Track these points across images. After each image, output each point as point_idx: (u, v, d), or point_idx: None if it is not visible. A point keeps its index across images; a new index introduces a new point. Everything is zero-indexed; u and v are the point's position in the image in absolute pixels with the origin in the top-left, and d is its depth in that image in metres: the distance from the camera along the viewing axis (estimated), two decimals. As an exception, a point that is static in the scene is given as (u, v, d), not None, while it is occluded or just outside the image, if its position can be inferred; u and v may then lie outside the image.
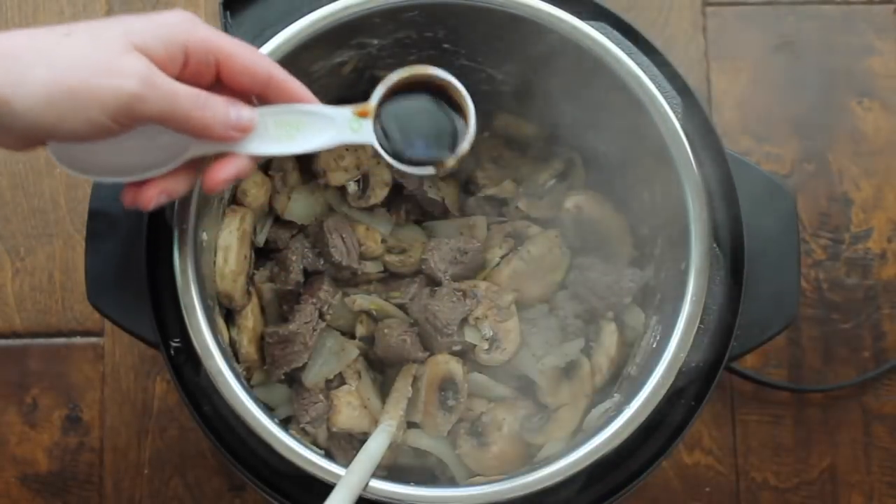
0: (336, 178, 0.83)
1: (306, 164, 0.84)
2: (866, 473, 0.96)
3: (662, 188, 0.75)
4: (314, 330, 0.78)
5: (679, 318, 0.70)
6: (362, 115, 0.62)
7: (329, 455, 0.78)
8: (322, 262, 0.82)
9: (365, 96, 0.88)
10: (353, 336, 0.82)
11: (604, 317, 0.81)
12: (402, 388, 0.79)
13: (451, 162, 0.65)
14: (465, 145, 0.65)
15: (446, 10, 0.74)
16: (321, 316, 0.80)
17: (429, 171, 0.65)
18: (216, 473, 0.93)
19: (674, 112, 0.72)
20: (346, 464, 0.67)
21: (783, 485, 0.96)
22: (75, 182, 0.98)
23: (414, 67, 0.64)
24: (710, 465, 0.96)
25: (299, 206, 0.83)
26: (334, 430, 0.78)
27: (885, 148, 1.02)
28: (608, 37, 0.73)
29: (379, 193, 0.84)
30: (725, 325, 0.72)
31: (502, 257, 0.85)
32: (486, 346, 0.80)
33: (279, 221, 0.83)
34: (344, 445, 0.79)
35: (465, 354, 0.81)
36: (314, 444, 0.78)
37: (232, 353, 0.74)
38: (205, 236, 0.72)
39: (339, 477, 0.65)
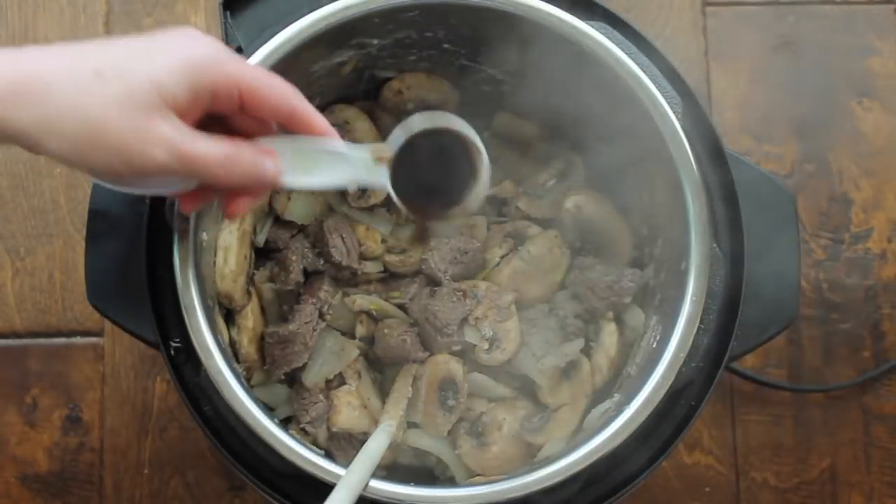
0: (336, 178, 0.83)
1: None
2: (866, 473, 0.96)
3: (662, 188, 0.75)
4: (314, 330, 0.78)
5: (679, 318, 0.70)
6: (380, 160, 0.62)
7: (329, 455, 0.78)
8: (322, 262, 0.82)
9: (365, 95, 0.88)
10: (353, 336, 0.82)
11: (604, 317, 0.81)
12: (402, 388, 0.79)
13: (457, 214, 0.66)
14: (471, 201, 0.65)
15: (446, 10, 0.74)
16: (321, 316, 0.80)
17: (438, 218, 0.65)
18: (216, 473, 0.93)
19: (674, 112, 0.72)
20: (346, 464, 0.67)
21: (783, 485, 0.96)
22: (75, 182, 0.98)
23: (435, 117, 0.63)
24: (710, 465, 0.96)
25: (299, 206, 0.83)
26: (334, 430, 0.78)
27: (885, 148, 1.02)
28: (608, 37, 0.73)
29: (379, 193, 0.84)
30: (725, 325, 0.72)
31: (502, 257, 0.85)
32: (486, 346, 0.80)
33: (279, 221, 0.83)
34: (344, 445, 0.79)
35: (465, 354, 0.81)
36: (314, 444, 0.78)
37: (232, 353, 0.74)
38: (205, 236, 0.72)
39: (339, 477, 0.65)
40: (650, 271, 0.80)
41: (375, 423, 0.78)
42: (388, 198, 0.84)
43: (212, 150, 0.56)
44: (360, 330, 0.82)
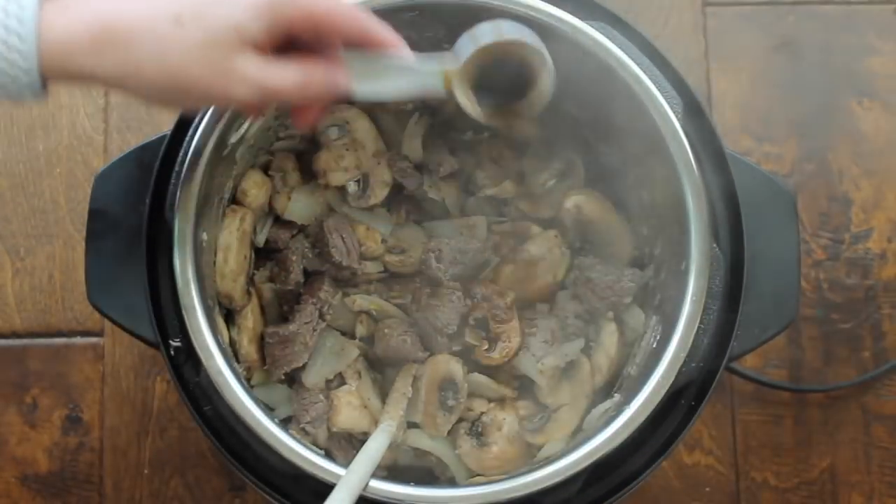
0: (336, 178, 0.83)
1: (306, 164, 0.84)
2: (866, 473, 0.96)
3: (662, 188, 0.75)
4: (314, 330, 0.78)
5: (679, 318, 0.70)
6: (449, 72, 0.64)
7: (329, 455, 0.78)
8: (322, 262, 0.82)
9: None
10: (353, 336, 0.82)
11: (604, 317, 0.81)
12: (402, 388, 0.79)
13: (523, 110, 0.67)
14: (535, 101, 0.67)
15: (446, 10, 0.74)
16: (321, 316, 0.80)
17: (503, 118, 0.68)
18: (216, 473, 0.93)
19: (674, 112, 0.72)
20: (346, 464, 0.67)
21: (783, 485, 0.96)
22: (75, 182, 0.98)
23: (502, 27, 0.65)
24: (710, 465, 0.96)
25: (299, 206, 0.83)
26: (334, 430, 0.78)
27: (885, 148, 1.02)
28: (608, 37, 0.73)
29: (379, 193, 0.84)
30: (725, 325, 0.72)
31: (502, 257, 0.85)
32: (486, 346, 0.80)
33: (279, 221, 0.83)
34: (344, 445, 0.79)
35: (465, 354, 0.81)
36: (314, 444, 0.78)
37: (232, 353, 0.74)
38: (205, 236, 0.72)
39: (339, 477, 0.65)
40: (650, 271, 0.80)
41: (375, 423, 0.78)
42: (389, 198, 0.85)
43: (289, 78, 0.58)
44: (360, 330, 0.82)
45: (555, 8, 0.73)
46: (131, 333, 0.71)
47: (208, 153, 0.70)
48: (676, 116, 0.72)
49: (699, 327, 0.70)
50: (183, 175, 0.70)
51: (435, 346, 0.80)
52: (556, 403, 0.80)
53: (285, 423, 0.78)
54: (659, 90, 0.72)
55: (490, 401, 0.81)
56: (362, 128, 0.84)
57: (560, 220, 0.85)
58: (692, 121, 0.73)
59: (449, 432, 0.79)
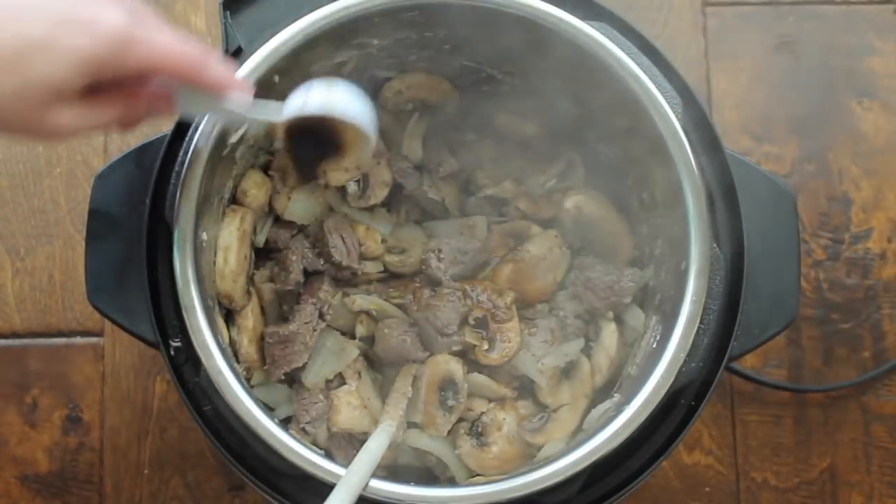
0: (336, 178, 0.83)
1: (306, 164, 0.84)
2: (866, 473, 0.96)
3: (662, 188, 0.75)
4: (314, 330, 0.78)
5: (679, 318, 0.70)
6: (273, 126, 0.67)
7: (329, 455, 0.78)
8: (322, 262, 0.82)
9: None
10: (353, 336, 0.82)
11: (604, 317, 0.81)
12: (402, 388, 0.79)
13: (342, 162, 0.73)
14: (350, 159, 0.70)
15: (446, 10, 0.74)
16: (321, 316, 0.80)
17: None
18: (216, 473, 0.93)
19: (674, 112, 0.72)
20: (346, 464, 0.67)
21: (783, 485, 0.96)
22: (75, 182, 0.98)
23: (334, 103, 0.66)
24: (710, 465, 0.96)
25: (299, 206, 0.83)
26: (334, 430, 0.78)
27: (885, 148, 1.02)
28: (608, 37, 0.73)
29: (379, 193, 0.84)
30: (725, 325, 0.72)
31: (502, 257, 0.85)
32: (486, 346, 0.80)
33: (279, 221, 0.83)
34: (344, 445, 0.79)
35: (465, 354, 0.81)
36: (314, 444, 0.78)
37: (232, 353, 0.74)
38: (205, 236, 0.72)
39: (339, 477, 0.65)
40: (650, 271, 0.80)
41: (375, 423, 0.78)
42: (388, 198, 0.85)
43: (107, 116, 0.57)
44: (360, 330, 0.82)
45: (555, 8, 0.73)
46: (131, 333, 0.71)
47: (208, 153, 0.70)
48: (676, 116, 0.72)
49: (699, 327, 0.70)
50: (183, 175, 0.70)
51: (435, 346, 0.80)
52: (556, 403, 0.80)
53: (285, 423, 0.78)
54: (659, 90, 0.72)
55: (490, 401, 0.81)
56: (362, 128, 0.84)
57: (560, 220, 0.85)
58: (692, 121, 0.73)
59: (449, 432, 0.79)
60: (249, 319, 0.78)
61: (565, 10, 0.73)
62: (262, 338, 0.79)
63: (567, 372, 0.82)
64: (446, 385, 0.79)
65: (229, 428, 0.69)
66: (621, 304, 0.80)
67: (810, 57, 1.04)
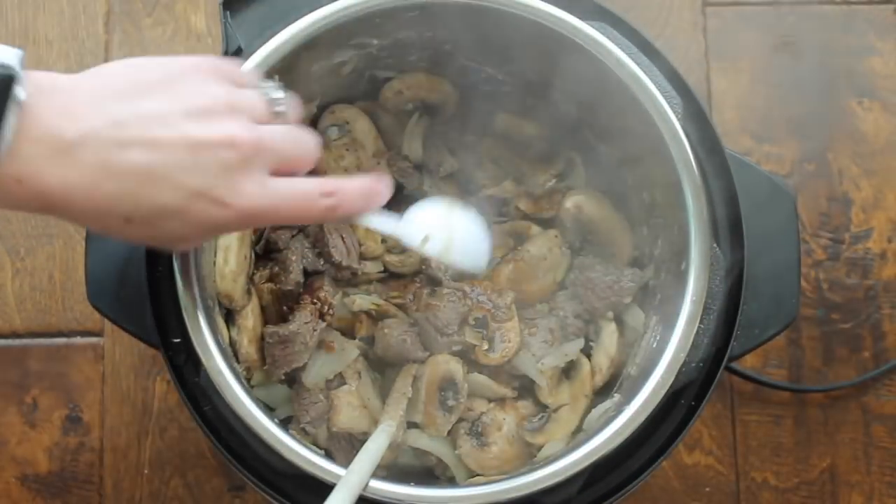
0: (336, 178, 0.83)
1: (306, 164, 0.84)
2: (866, 473, 0.96)
3: (662, 188, 0.75)
4: (314, 330, 0.78)
5: (679, 318, 0.70)
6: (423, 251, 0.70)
7: (329, 455, 0.78)
8: (322, 262, 0.82)
9: (365, 95, 0.88)
10: (353, 336, 0.82)
11: (604, 317, 0.81)
12: (402, 388, 0.79)
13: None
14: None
15: (446, 10, 0.74)
16: (321, 316, 0.80)
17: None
18: (216, 473, 0.93)
19: (674, 112, 0.72)
20: (346, 464, 0.67)
21: (783, 485, 0.96)
22: (75, 182, 0.98)
23: (454, 246, 0.70)
24: (710, 465, 0.96)
25: (299, 206, 0.83)
26: (334, 430, 0.78)
27: (885, 148, 1.02)
28: (608, 37, 0.73)
29: (378, 193, 0.84)
30: (725, 325, 0.72)
31: (502, 257, 0.85)
32: (486, 346, 0.80)
33: (279, 221, 0.83)
34: (344, 445, 0.79)
35: (465, 354, 0.81)
36: (314, 444, 0.78)
37: (232, 353, 0.74)
38: (205, 236, 0.72)
39: (339, 477, 0.65)
40: (650, 271, 0.80)
41: (375, 423, 0.78)
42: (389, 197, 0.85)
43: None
44: (360, 330, 0.82)
45: (555, 8, 0.73)
46: (131, 333, 0.71)
47: (208, 153, 0.70)
48: (676, 116, 0.72)
49: (699, 327, 0.70)
50: (183, 175, 0.69)
51: (435, 346, 0.80)
52: (556, 403, 0.80)
53: (285, 423, 0.78)
54: (659, 90, 0.72)
55: (490, 401, 0.81)
56: (362, 128, 0.84)
57: (560, 220, 0.85)
58: (692, 121, 0.73)
59: (449, 432, 0.79)
60: (249, 319, 0.78)
61: (565, 10, 0.73)
62: (262, 338, 0.79)
63: (567, 372, 0.82)
64: (446, 385, 0.79)
65: (229, 428, 0.69)
66: (621, 304, 0.80)
67: (810, 57, 1.04)
